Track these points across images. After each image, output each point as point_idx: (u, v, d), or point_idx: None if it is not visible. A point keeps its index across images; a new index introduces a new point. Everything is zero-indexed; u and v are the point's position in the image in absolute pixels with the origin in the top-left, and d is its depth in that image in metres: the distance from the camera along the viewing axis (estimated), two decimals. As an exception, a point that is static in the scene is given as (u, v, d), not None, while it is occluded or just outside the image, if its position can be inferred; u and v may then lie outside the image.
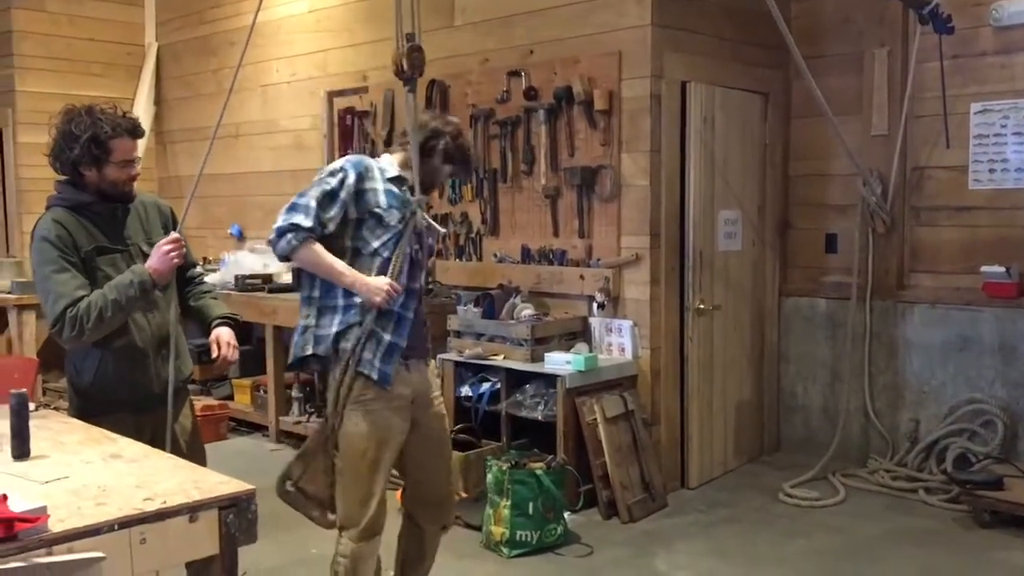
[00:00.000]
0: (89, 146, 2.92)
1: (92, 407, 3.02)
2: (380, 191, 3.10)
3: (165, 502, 2.14)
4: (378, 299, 3.01)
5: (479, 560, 4.34)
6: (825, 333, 5.77)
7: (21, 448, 2.50)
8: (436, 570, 3.50)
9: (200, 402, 6.35)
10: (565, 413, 4.74)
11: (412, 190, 3.15)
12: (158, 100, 8.39)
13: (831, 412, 5.71)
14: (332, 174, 3.09)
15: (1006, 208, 5.12)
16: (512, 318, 5.18)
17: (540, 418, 4.84)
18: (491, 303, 5.28)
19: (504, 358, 5.05)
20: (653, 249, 5.03)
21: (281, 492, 3.09)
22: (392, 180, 3.16)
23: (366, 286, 3.02)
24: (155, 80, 8.36)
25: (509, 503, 4.34)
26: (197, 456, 3.10)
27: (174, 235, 3.07)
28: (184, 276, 3.29)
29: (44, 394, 6.74)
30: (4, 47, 7.77)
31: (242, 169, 7.59)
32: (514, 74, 5.51)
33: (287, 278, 6.67)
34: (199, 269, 3.50)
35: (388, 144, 5.88)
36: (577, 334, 5.22)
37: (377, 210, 3.07)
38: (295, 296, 6.23)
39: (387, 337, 3.07)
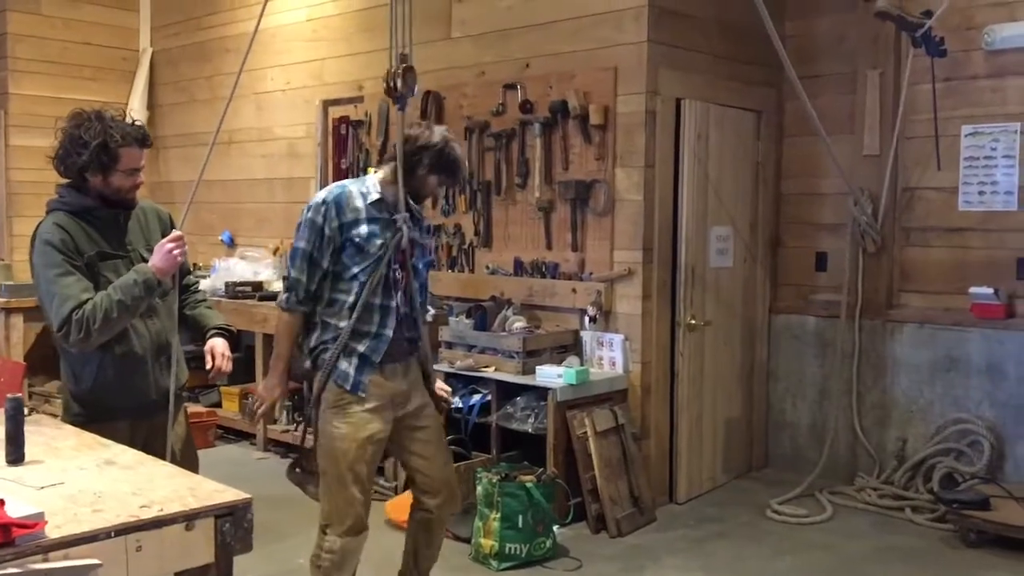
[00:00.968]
0: (98, 153, 2.91)
1: (90, 413, 3.01)
2: (362, 219, 3.24)
3: (162, 509, 2.14)
4: (259, 407, 3.42)
5: (467, 573, 4.34)
6: (814, 351, 5.80)
7: (16, 453, 2.49)
8: (425, 583, 3.53)
9: (188, 409, 6.32)
10: (555, 426, 4.75)
11: (397, 207, 3.25)
12: (151, 105, 8.36)
13: (819, 429, 5.73)
14: (317, 210, 3.25)
15: (995, 230, 5.17)
16: (504, 330, 5.19)
17: (530, 431, 4.85)
18: (483, 315, 5.29)
19: (495, 370, 5.05)
20: (645, 264, 5.05)
21: (289, 475, 3.55)
22: (375, 203, 3.28)
23: (264, 385, 3.46)
24: (149, 85, 8.35)
25: (499, 516, 4.34)
26: (190, 463, 3.09)
27: (176, 233, 3.07)
28: (180, 283, 3.29)
29: (31, 398, 6.70)
30: (-2, 49, 7.76)
31: (235, 176, 7.58)
32: (510, 87, 5.53)
33: (277, 286, 6.66)
34: (193, 277, 3.51)
35: (383, 153, 5.89)
36: (568, 347, 5.23)
37: (358, 240, 3.23)
38: (286, 304, 6.23)
39: (360, 349, 3.25)
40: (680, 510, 5.20)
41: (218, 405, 6.89)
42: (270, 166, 7.33)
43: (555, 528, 4.53)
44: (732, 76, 5.52)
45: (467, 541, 4.52)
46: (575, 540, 4.65)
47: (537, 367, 4.94)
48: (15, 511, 1.96)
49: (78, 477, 2.40)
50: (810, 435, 5.82)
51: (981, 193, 5.21)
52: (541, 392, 4.85)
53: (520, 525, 4.34)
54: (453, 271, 5.90)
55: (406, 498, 3.81)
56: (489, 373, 5.05)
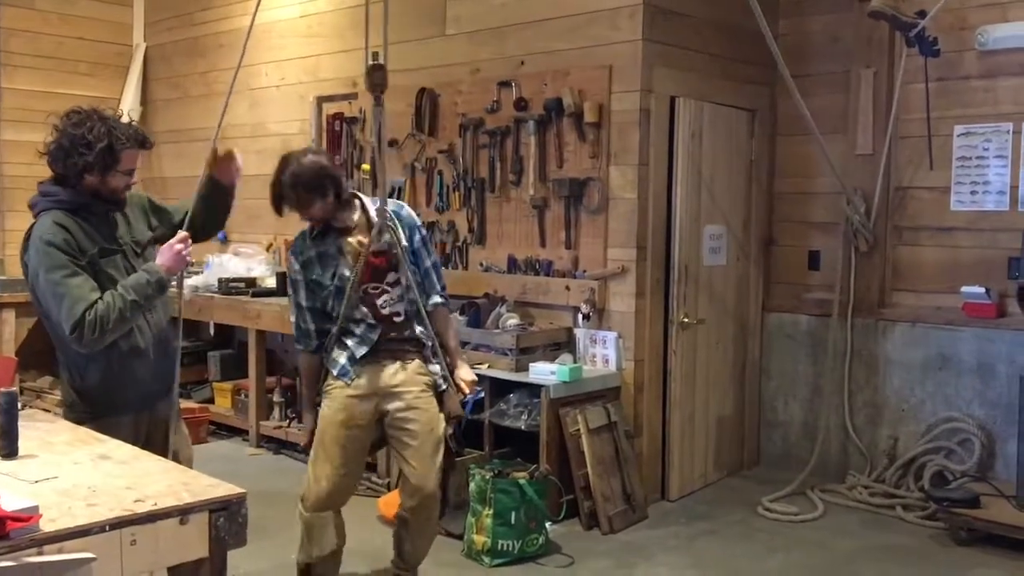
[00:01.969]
0: (103, 154, 2.91)
1: (96, 409, 3.01)
2: (313, 260, 3.59)
3: (156, 504, 2.15)
4: (306, 444, 3.74)
5: (460, 569, 4.34)
6: (806, 349, 5.82)
7: (9, 447, 2.50)
8: (417, 578, 3.55)
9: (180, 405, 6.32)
10: (548, 423, 4.75)
11: (346, 231, 3.58)
12: (145, 101, 8.35)
13: (811, 428, 5.75)
14: (291, 267, 3.68)
15: (987, 230, 5.19)
16: (497, 327, 5.20)
17: (523, 428, 4.85)
18: (476, 312, 5.30)
19: (488, 367, 5.05)
20: (639, 262, 5.06)
21: None
22: (316, 238, 3.60)
23: (303, 426, 3.90)
24: (142, 81, 8.33)
25: (491, 512, 4.35)
26: (183, 457, 3.12)
27: (183, 233, 3.08)
28: (174, 223, 3.29)
29: (22, 394, 6.68)
30: (-9, 44, 7.73)
31: (228, 172, 7.55)
32: (505, 84, 5.54)
33: (271, 282, 6.66)
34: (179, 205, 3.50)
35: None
36: (562, 345, 5.24)
37: (314, 278, 3.59)
38: (278, 300, 6.30)
39: (349, 344, 3.60)
40: (672, 507, 5.22)
41: (211, 401, 6.88)
42: (263, 162, 7.23)
43: (547, 525, 4.54)
44: (726, 75, 5.53)
45: (459, 537, 4.53)
46: (567, 537, 4.66)
47: (530, 364, 4.95)
48: (9, 505, 1.96)
49: (72, 471, 2.41)
50: (802, 433, 5.84)
51: (973, 193, 5.23)
52: (534, 389, 4.86)
53: (513, 521, 4.35)
54: (447, 268, 5.89)
55: (397, 495, 3.84)
56: (482, 370, 5.04)
